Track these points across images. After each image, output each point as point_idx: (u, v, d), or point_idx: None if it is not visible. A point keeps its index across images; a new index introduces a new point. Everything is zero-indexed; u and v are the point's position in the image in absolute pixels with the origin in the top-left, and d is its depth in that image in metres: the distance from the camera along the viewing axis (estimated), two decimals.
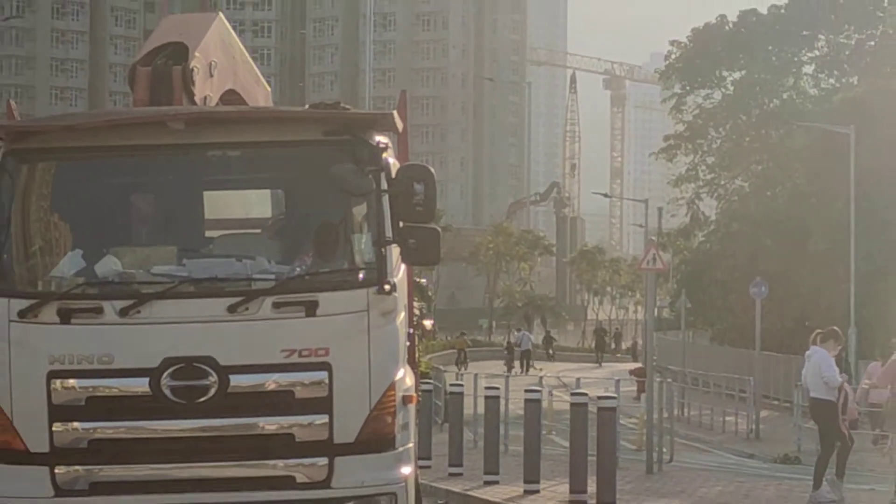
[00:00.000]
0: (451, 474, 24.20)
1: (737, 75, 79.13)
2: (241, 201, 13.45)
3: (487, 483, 22.81)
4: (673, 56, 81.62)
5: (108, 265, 11.44)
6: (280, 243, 11.99)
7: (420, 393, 14.06)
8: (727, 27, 79.11)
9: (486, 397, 25.38)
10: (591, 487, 19.50)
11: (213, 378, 11.02)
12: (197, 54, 13.09)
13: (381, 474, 11.30)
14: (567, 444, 21.81)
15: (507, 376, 41.16)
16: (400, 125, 12.36)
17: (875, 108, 54.82)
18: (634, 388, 45.66)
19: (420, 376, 18.04)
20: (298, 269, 11.49)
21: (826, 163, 55.72)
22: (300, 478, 11.18)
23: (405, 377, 11.85)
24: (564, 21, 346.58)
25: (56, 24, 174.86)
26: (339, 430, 11.17)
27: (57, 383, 11.04)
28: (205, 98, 13.19)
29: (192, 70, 12.87)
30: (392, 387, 11.41)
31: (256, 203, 13.37)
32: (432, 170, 11.78)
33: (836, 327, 22.03)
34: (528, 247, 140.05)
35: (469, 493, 22.04)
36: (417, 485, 12.20)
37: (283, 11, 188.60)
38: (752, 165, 76.32)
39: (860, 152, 50.05)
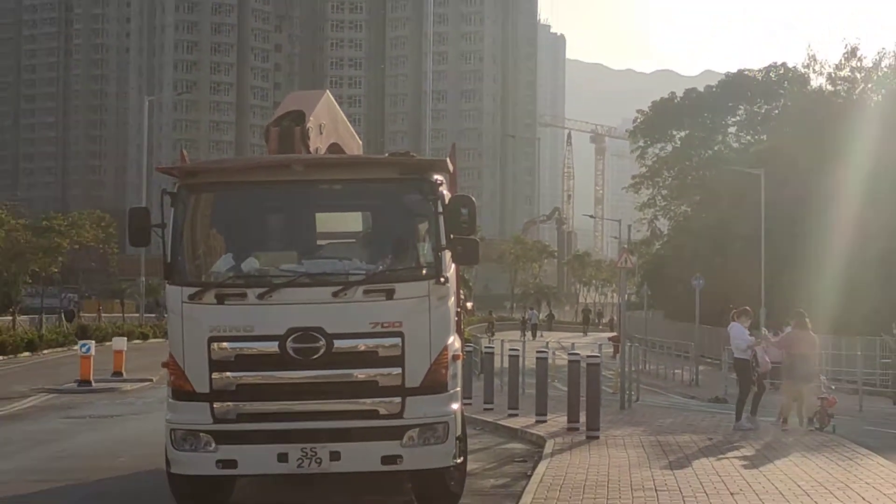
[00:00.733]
0: (485, 409, 24.14)
1: (682, 134, 79.10)
2: (342, 220, 13.42)
3: (510, 415, 22.79)
4: (638, 120, 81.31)
5: (250, 264, 11.46)
6: (368, 249, 11.93)
7: (464, 353, 13.99)
8: (676, 100, 79.55)
9: (509, 356, 25.31)
10: (583, 418, 19.38)
11: (322, 342, 10.99)
12: (311, 118, 13.10)
13: (438, 409, 11.26)
14: (566, 388, 21.66)
15: (523, 341, 41.04)
16: (451, 168, 12.35)
17: (778, 157, 55.21)
18: (612, 350, 45.29)
19: (464, 341, 18.00)
20: (381, 267, 11.44)
21: (744, 194, 55.69)
22: (382, 411, 11.15)
23: (454, 342, 11.81)
24: (563, 95, 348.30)
25: (212, 97, 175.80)
26: (409, 379, 11.13)
27: (215, 345, 11.06)
28: (316, 149, 13.21)
29: (308, 129, 12.89)
30: (445, 349, 11.37)
31: (352, 221, 13.33)
32: (473, 198, 11.77)
33: (747, 307, 21.81)
34: (538, 252, 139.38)
35: (498, 422, 21.98)
36: (462, 416, 12.15)
37: (369, 89, 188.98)
38: (693, 196, 76.08)
39: (767, 187, 50.71)
